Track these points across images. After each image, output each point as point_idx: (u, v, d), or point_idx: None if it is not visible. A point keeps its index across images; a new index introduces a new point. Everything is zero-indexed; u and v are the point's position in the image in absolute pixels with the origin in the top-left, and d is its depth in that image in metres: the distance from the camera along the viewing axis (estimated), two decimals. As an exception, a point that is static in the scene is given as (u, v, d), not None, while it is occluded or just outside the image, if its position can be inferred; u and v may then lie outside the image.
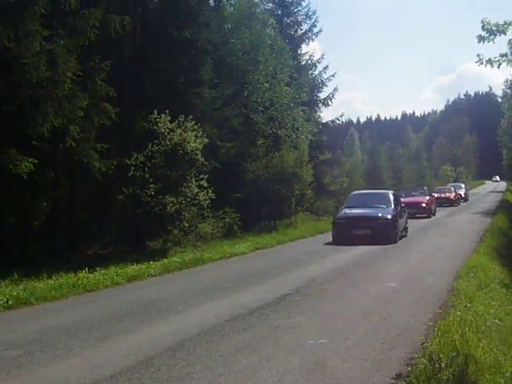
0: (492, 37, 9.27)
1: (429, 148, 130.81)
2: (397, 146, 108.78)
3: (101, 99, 20.82)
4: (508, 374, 7.22)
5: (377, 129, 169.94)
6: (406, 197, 39.01)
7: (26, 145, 18.76)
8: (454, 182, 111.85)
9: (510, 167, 71.29)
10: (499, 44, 10.26)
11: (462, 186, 68.46)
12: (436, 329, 9.04)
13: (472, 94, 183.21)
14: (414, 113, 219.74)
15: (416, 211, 36.86)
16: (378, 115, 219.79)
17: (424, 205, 39.52)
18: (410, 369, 7.50)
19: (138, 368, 7.84)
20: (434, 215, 40.58)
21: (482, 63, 9.53)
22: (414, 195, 42.17)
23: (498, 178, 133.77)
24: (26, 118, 18.29)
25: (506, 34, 9.34)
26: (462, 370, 6.79)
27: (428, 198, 41.80)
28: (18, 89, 17.92)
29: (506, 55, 9.57)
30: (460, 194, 60.28)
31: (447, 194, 55.41)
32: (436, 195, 50.40)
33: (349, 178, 56.78)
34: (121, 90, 22.44)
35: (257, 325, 10.16)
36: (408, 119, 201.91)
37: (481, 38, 9.32)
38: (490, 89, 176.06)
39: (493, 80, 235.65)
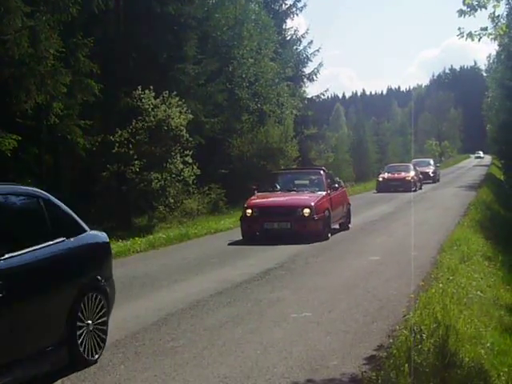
0: (473, 11, 9.30)
1: (414, 122, 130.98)
2: (382, 120, 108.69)
3: (84, 75, 20.71)
4: (488, 344, 7.34)
5: (362, 104, 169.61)
6: (271, 197, 19.14)
7: (10, 122, 18.65)
8: (440, 156, 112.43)
9: (494, 141, 70.88)
10: (482, 17, 10.34)
11: (431, 161, 54.56)
12: (418, 301, 9.15)
13: (457, 69, 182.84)
14: (399, 87, 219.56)
15: (289, 228, 17.63)
16: (364, 90, 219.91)
17: (307, 213, 17.56)
18: (391, 340, 7.59)
19: (122, 343, 7.91)
20: (347, 227, 20.58)
21: (462, 37, 9.56)
22: (294, 191, 19.40)
23: (481, 153, 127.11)
24: (8, 95, 18.19)
25: (486, 9, 9.36)
26: (443, 340, 6.87)
27: (323, 195, 18.69)
28: (1, 66, 17.79)
29: (486, 29, 9.60)
30: (427, 173, 48.38)
31: (402, 174, 40.66)
32: (386, 175, 41.70)
33: (334, 153, 56.92)
34: (104, 67, 22.35)
35: (241, 299, 10.24)
36: (393, 94, 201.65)
37: (462, 12, 9.34)
38: (475, 63, 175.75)
39: (478, 54, 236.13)
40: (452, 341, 6.95)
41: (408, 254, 14.64)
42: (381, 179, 41.77)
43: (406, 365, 6.32)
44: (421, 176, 43.50)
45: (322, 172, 20.30)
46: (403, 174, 40.58)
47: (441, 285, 9.94)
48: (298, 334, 8.11)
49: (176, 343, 7.84)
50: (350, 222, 20.99)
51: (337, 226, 19.87)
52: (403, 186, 38.62)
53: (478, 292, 9.94)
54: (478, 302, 9.28)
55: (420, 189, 40.85)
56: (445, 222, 20.91)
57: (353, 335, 8.05)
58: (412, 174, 40.61)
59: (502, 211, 28.73)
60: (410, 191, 36.45)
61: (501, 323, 8.78)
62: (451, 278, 10.70)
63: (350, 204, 21.46)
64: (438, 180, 50.96)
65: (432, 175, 49.72)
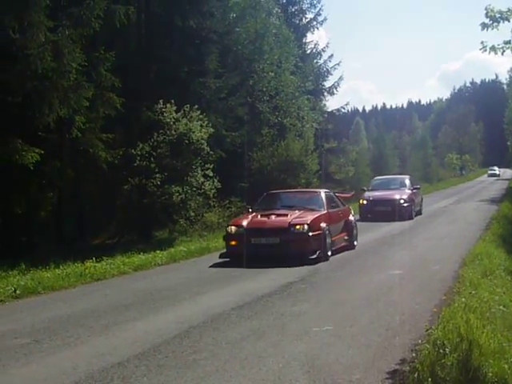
0: (495, 24, 9.28)
1: (434, 136, 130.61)
2: (403, 134, 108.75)
3: (106, 89, 20.86)
4: (512, 359, 7.27)
5: (383, 117, 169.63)
6: None
7: (33, 136, 18.84)
8: (461, 169, 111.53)
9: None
10: (505, 31, 10.30)
11: (406, 181, 31.89)
12: (441, 315, 9.09)
13: (478, 82, 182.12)
14: (419, 101, 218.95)
15: None
16: (384, 103, 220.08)
17: None
18: (414, 354, 7.54)
19: (145, 355, 7.90)
20: None
21: (485, 50, 9.54)
22: None
23: (496, 169, 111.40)
24: (32, 109, 18.35)
25: (509, 21, 9.35)
26: (466, 355, 6.83)
27: None
28: (24, 80, 17.95)
29: (509, 42, 9.57)
30: (397, 202, 28.00)
31: (290, 218, 16.26)
32: (249, 220, 16.80)
33: (355, 166, 56.75)
34: (126, 80, 22.48)
35: (263, 312, 10.22)
36: (414, 107, 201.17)
37: (484, 25, 9.33)
38: (497, 76, 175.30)
39: (500, 67, 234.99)
40: (475, 355, 6.90)
41: (430, 267, 14.61)
42: (232, 230, 16.92)
43: (430, 379, 6.30)
44: (346, 222, 18.90)
45: None
46: (293, 218, 16.52)
47: (463, 299, 9.87)
48: (320, 348, 8.08)
49: (198, 356, 7.83)
50: None
51: None
52: (286, 247, 15.99)
53: (501, 306, 9.85)
54: (500, 317, 9.20)
55: (353, 247, 18.73)
56: (466, 236, 20.79)
57: (375, 349, 8.01)
58: (316, 215, 16.90)
59: (524, 225, 28.50)
60: (308, 259, 15.84)
61: (524, 338, 8.71)
62: (474, 292, 10.62)
63: None
64: (420, 213, 30.69)
65: (405, 206, 28.32)
